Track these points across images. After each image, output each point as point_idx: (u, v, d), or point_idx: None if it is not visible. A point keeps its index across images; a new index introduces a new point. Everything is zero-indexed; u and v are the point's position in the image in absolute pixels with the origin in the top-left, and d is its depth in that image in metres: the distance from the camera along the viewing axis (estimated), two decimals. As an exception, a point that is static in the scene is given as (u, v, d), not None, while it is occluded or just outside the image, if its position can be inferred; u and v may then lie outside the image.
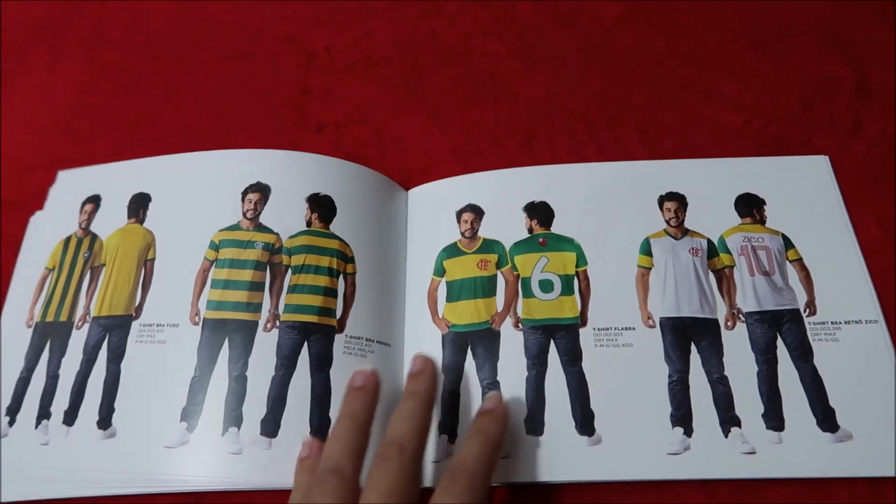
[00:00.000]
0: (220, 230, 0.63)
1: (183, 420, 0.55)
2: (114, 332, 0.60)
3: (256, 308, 0.61)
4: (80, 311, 0.63)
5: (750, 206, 0.65)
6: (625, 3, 0.84)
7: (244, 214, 0.63)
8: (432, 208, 0.66)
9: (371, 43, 0.84)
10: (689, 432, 0.55)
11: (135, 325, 0.60)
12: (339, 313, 0.60)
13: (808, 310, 0.60)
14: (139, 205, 0.66)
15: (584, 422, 0.56)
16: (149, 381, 0.57)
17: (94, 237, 0.67)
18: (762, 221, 0.64)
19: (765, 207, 0.65)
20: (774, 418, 0.55)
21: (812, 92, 0.74)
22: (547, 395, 0.58)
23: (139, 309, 0.61)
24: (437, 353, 0.61)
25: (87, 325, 0.62)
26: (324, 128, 0.78)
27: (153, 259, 0.63)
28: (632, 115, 0.75)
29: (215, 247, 0.63)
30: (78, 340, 0.62)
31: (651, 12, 0.83)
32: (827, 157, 0.67)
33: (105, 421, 0.57)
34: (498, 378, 0.59)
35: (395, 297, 0.64)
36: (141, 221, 0.65)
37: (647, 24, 0.82)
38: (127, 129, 0.79)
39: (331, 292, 0.62)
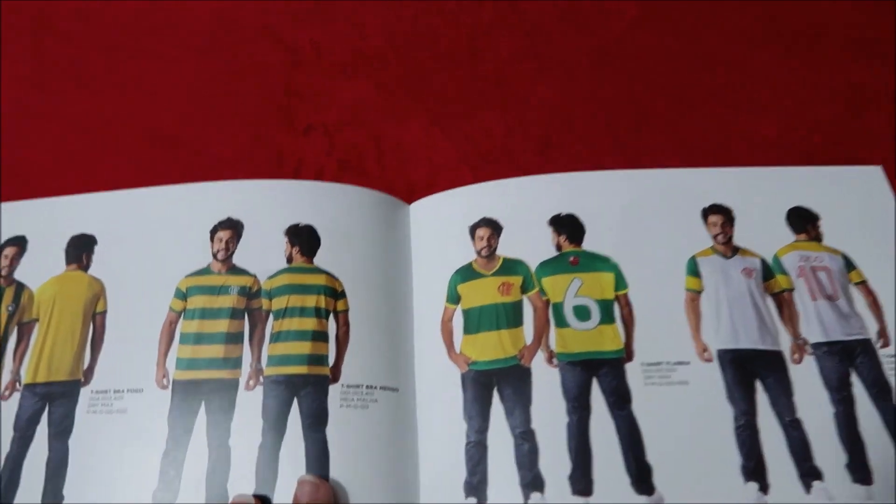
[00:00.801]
0: (188, 276, 0.54)
1: None
2: (56, 401, 0.51)
3: (236, 363, 0.51)
4: (6, 378, 0.52)
5: (804, 221, 0.57)
6: (640, 1, 0.77)
7: (214, 256, 0.55)
8: (440, 224, 0.58)
9: (363, 38, 0.75)
10: (764, 488, 0.47)
11: (84, 392, 0.51)
12: (331, 360, 0.51)
13: (880, 340, 0.52)
14: (80, 248, 0.57)
15: (641, 477, 0.47)
16: (107, 460, 0.49)
17: (21, 287, 0.55)
18: (818, 238, 0.57)
19: (819, 223, 0.57)
20: (860, 469, 0.47)
21: (852, 98, 0.68)
22: (593, 445, 0.48)
23: (89, 372, 0.52)
24: (455, 396, 0.51)
25: (17, 395, 0.51)
26: (312, 130, 0.68)
27: (103, 312, 0.54)
28: (657, 121, 0.67)
29: (182, 295, 0.53)
30: (7, 414, 0.50)
31: (668, 12, 0.76)
32: (881, 167, 0.61)
33: None
34: (532, 426, 0.50)
35: (401, 333, 0.54)
36: (84, 268, 0.56)
37: (663, 24, 0.75)
38: (76, 133, 0.68)
39: (320, 336, 0.52)
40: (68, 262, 0.56)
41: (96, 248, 0.56)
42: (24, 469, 0.49)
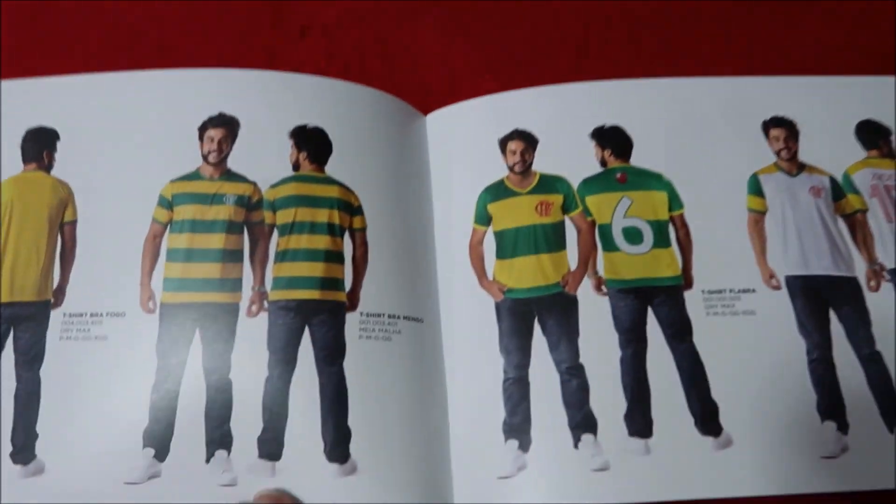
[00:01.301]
0: (173, 181, 0.47)
1: (148, 445, 0.41)
2: (21, 325, 0.44)
3: (234, 285, 0.44)
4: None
5: (875, 136, 0.51)
6: None
7: (205, 158, 0.47)
8: (463, 137, 0.51)
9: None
10: (843, 427, 0.42)
11: (55, 315, 0.44)
12: (348, 284, 0.45)
13: (961, 265, 0.47)
14: (39, 144, 0.48)
15: (706, 417, 0.42)
16: (87, 393, 0.42)
17: None
18: (891, 155, 0.50)
19: (892, 138, 0.51)
20: (948, 406, 0.42)
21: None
22: (651, 381, 0.43)
23: (59, 292, 0.45)
24: (489, 327, 0.45)
25: None
26: (308, 31, 0.58)
27: (73, 221, 0.46)
28: (711, 25, 0.60)
29: (167, 204, 0.46)
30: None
31: None
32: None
33: (24, 451, 0.41)
34: (581, 360, 0.43)
35: (423, 257, 0.47)
36: (45, 168, 0.47)
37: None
38: (44, 12, 0.57)
39: (335, 257, 0.45)
40: (26, 160, 0.48)
41: (59, 145, 0.48)
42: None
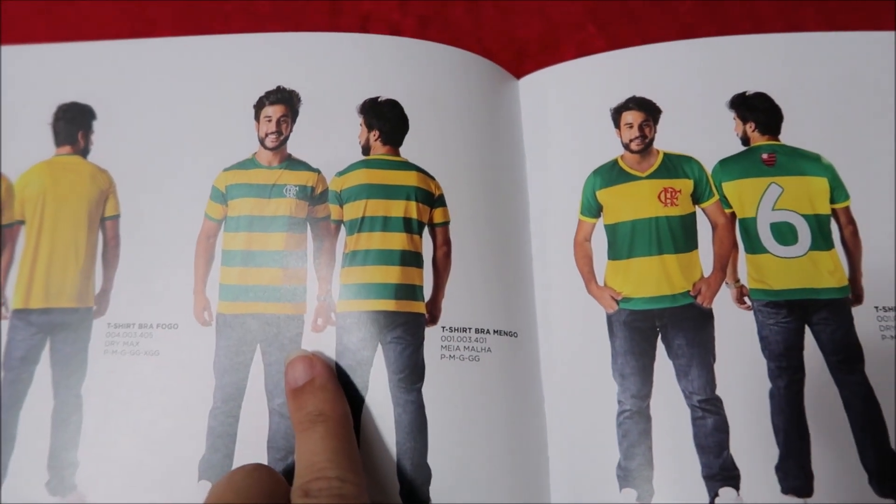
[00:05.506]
0: (226, 169, 0.41)
1: (204, 478, 0.36)
2: (60, 335, 0.39)
3: (298, 293, 0.38)
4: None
5: None
6: None
7: (262, 142, 0.41)
8: (566, 106, 0.43)
9: None
10: None
11: (99, 325, 0.39)
12: (428, 292, 0.37)
13: None
14: (74, 123, 0.42)
15: (885, 473, 0.33)
16: (135, 415, 0.37)
17: None
18: None
19: None
20: None
21: None
22: (810, 423, 0.34)
23: (103, 298, 0.40)
24: (599, 345, 0.37)
25: (5, 323, 0.39)
26: (380, -22, 0.50)
27: (115, 217, 0.41)
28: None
29: (221, 197, 0.40)
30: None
31: None
32: None
33: (62, 481, 0.37)
34: (718, 392, 0.35)
35: (519, 257, 0.40)
36: (82, 152, 0.42)
37: None
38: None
39: (412, 259, 0.38)
40: (58, 142, 0.42)
41: (95, 125, 0.42)
42: (22, 422, 0.38)
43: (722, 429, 0.35)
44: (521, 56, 0.48)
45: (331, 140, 0.40)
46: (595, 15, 0.49)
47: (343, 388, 0.35)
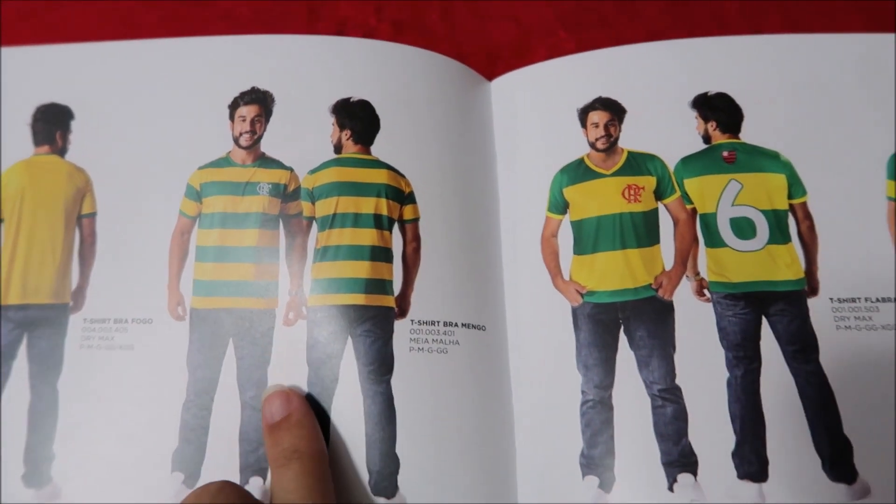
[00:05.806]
0: (202, 167, 0.42)
1: (177, 469, 0.37)
2: (37, 331, 0.40)
3: (270, 289, 0.39)
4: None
5: None
6: None
7: (236, 141, 0.42)
8: (535, 107, 0.44)
9: None
10: None
11: (74, 320, 0.40)
12: (397, 287, 0.38)
13: None
14: (52, 123, 0.43)
15: (837, 458, 0.35)
16: (108, 408, 0.38)
17: None
18: None
19: None
20: None
21: None
22: (766, 411, 0.35)
23: (79, 294, 0.41)
24: (564, 337, 0.38)
25: None
26: (356, -18, 0.51)
27: (92, 214, 0.42)
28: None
29: (195, 195, 0.41)
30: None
31: None
32: None
33: (38, 474, 0.38)
34: (678, 382, 0.36)
35: (487, 252, 0.41)
36: (59, 152, 0.43)
37: None
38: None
39: (382, 254, 0.39)
40: (37, 142, 0.43)
41: (73, 125, 0.43)
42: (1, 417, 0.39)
43: (681, 417, 0.36)
44: (493, 59, 0.49)
45: (303, 139, 0.41)
46: (566, 20, 0.50)
47: (315, 375, 0.36)
